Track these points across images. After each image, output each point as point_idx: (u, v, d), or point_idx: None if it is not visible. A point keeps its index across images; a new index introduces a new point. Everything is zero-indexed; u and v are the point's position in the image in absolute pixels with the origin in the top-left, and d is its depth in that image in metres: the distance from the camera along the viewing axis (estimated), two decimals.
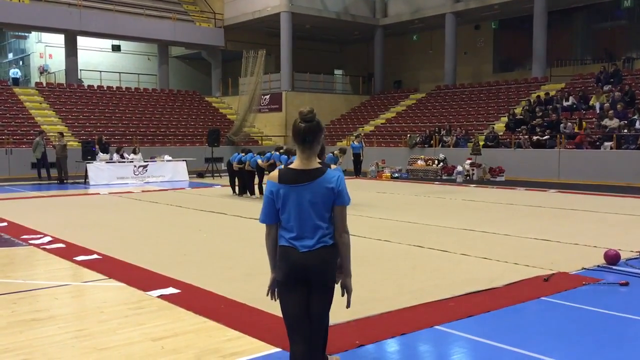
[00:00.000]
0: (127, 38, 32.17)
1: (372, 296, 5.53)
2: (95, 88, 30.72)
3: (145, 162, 20.70)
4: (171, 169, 21.02)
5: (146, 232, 9.60)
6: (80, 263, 7.15)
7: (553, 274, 6.36)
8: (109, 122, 27.59)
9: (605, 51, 28.15)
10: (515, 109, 24.35)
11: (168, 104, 31.47)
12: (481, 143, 21.78)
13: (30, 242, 8.59)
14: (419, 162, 22.93)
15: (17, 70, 34.07)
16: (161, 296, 5.61)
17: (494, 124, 23.97)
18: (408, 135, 25.22)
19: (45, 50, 35.76)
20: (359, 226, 9.46)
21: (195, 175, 22.33)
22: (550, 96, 23.76)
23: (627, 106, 20.26)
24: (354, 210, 11.26)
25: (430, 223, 10.23)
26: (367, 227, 9.68)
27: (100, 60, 36.14)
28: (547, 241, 8.37)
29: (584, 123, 20.64)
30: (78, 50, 30.83)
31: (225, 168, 18.04)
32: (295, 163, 3.18)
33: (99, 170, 19.41)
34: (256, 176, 14.99)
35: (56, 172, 20.02)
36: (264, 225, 3.25)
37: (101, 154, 20.30)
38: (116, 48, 34.92)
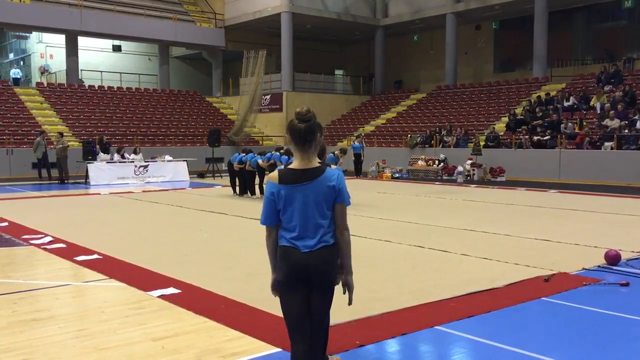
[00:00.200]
0: (127, 38, 32.19)
1: (372, 296, 5.53)
2: (96, 88, 30.73)
3: (145, 162, 20.71)
4: (172, 169, 21.03)
5: (147, 232, 9.60)
6: (81, 263, 7.15)
7: (553, 274, 6.36)
8: (110, 122, 27.60)
9: (606, 51, 28.14)
10: (516, 109, 24.35)
11: (169, 104, 31.48)
12: (482, 143, 21.77)
13: (31, 242, 8.59)
14: (420, 162, 22.92)
15: (18, 70, 34.08)
16: (162, 296, 5.61)
17: (495, 124, 23.98)
18: (409, 135, 25.23)
19: (46, 50, 35.77)
20: (360, 226, 9.46)
21: (195, 176, 22.34)
22: (550, 96, 23.76)
23: (628, 106, 20.26)
24: (355, 211, 11.26)
25: (430, 223, 10.23)
26: (368, 227, 9.68)
27: (101, 60, 36.15)
28: (547, 241, 8.37)
29: (584, 123, 20.63)
30: (79, 51, 30.84)
31: (226, 168, 18.05)
32: (295, 163, 3.18)
33: (100, 170, 19.42)
34: (257, 176, 14.99)
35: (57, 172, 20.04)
36: (264, 226, 3.25)
37: (102, 154, 20.31)
38: (117, 48, 34.95)
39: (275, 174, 3.19)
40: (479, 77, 32.17)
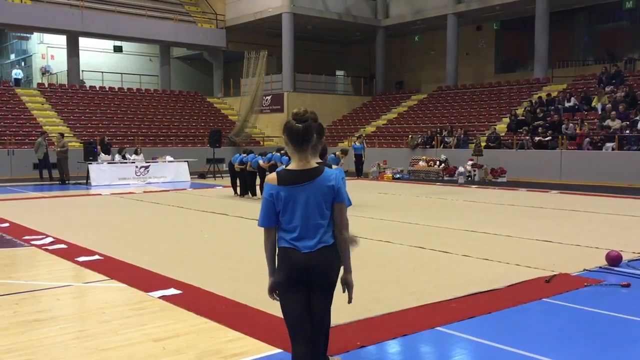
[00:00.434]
0: (128, 39, 32.22)
1: (373, 297, 5.52)
2: (97, 89, 30.76)
3: (147, 162, 20.72)
4: (173, 170, 21.04)
5: (148, 233, 9.61)
6: (82, 264, 7.16)
7: (554, 275, 6.35)
8: (111, 123, 27.62)
9: (607, 52, 28.13)
10: (517, 109, 24.35)
11: (170, 104, 31.50)
12: (483, 144, 21.77)
13: (32, 242, 8.60)
14: (421, 163, 22.92)
15: (19, 71, 34.11)
16: (162, 297, 5.61)
17: (496, 125, 23.97)
18: (410, 136, 25.23)
19: (47, 51, 35.80)
20: (361, 227, 9.46)
21: (196, 176, 22.34)
22: (552, 97, 23.75)
23: (629, 107, 20.25)
24: (356, 211, 11.26)
25: (431, 224, 10.23)
26: (369, 228, 9.68)
27: (102, 61, 36.18)
28: (548, 242, 8.36)
29: (585, 124, 20.62)
30: (80, 51, 30.87)
31: (227, 169, 18.05)
32: (293, 164, 3.17)
33: (101, 171, 19.43)
34: (257, 177, 14.99)
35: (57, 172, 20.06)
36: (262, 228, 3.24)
37: (103, 154, 20.33)
38: (118, 49, 34.96)
39: (273, 175, 3.19)
40: (480, 78, 32.17)
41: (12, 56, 39.24)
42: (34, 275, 6.75)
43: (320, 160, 3.51)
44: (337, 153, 13.49)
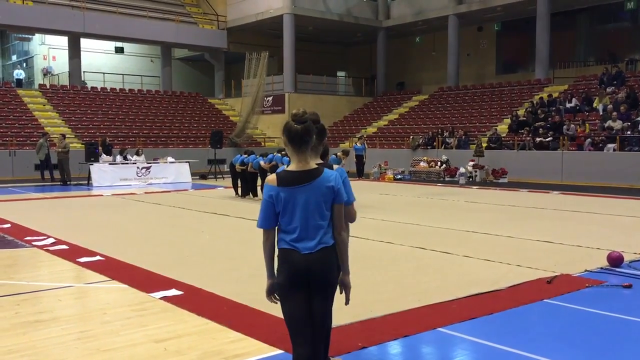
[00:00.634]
0: (130, 40, 32.25)
1: (374, 298, 5.52)
2: (99, 90, 30.78)
3: (148, 163, 20.74)
4: (174, 171, 21.05)
5: (149, 234, 9.61)
6: (84, 264, 7.16)
7: (556, 276, 6.35)
8: (112, 124, 27.64)
9: (608, 53, 28.12)
10: (518, 110, 24.34)
11: (171, 105, 31.52)
12: (484, 145, 21.76)
13: (34, 243, 8.60)
14: (422, 163, 22.91)
15: (20, 71, 34.16)
16: (164, 298, 5.62)
17: (497, 126, 23.96)
18: (411, 136, 25.22)
19: (49, 52, 35.86)
20: (362, 228, 9.44)
21: (198, 177, 22.35)
22: (553, 98, 23.73)
23: (631, 108, 20.23)
24: (357, 212, 11.23)
25: (432, 225, 10.22)
26: (370, 228, 9.67)
27: (104, 62, 36.23)
28: (550, 243, 8.36)
29: (586, 125, 20.61)
30: (81, 52, 30.89)
31: (228, 170, 18.06)
32: (292, 165, 3.17)
33: (102, 171, 19.45)
34: (259, 178, 15.00)
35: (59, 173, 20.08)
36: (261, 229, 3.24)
37: (104, 155, 20.34)
38: (119, 50, 35.02)
39: (273, 176, 3.19)
40: (481, 79, 32.17)
41: (14, 57, 39.31)
42: (35, 276, 6.75)
43: (321, 161, 3.51)
44: (338, 154, 13.49)
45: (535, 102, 23.98)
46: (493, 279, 6.27)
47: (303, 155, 3.12)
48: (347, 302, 3.29)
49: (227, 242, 8.90)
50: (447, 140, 23.82)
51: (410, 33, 34.02)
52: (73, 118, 27.04)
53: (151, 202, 14.29)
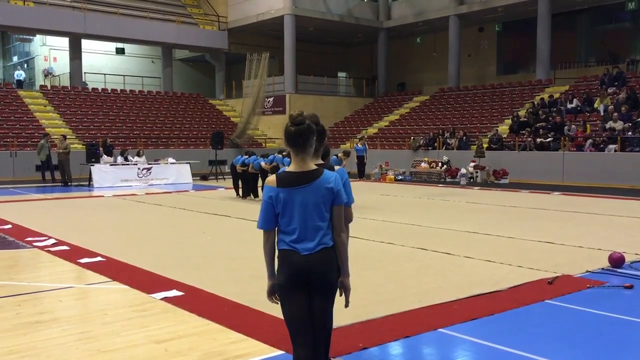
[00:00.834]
0: (131, 41, 32.26)
1: (375, 298, 5.52)
2: (100, 91, 30.81)
3: (149, 164, 20.75)
4: (175, 172, 21.06)
5: (150, 235, 9.61)
6: (84, 265, 7.16)
7: (557, 276, 6.34)
8: (113, 125, 27.65)
9: (609, 53, 28.11)
10: (519, 111, 24.33)
11: (172, 106, 31.53)
12: (485, 145, 21.75)
13: (35, 244, 8.61)
14: (423, 164, 22.92)
15: (21, 72, 34.15)
16: (165, 298, 5.62)
17: (498, 126, 23.96)
18: (412, 137, 25.23)
19: (50, 53, 35.89)
20: (363, 229, 9.46)
21: (198, 178, 22.36)
22: (554, 98, 23.73)
23: (632, 108, 20.21)
24: (358, 213, 11.21)
25: (433, 225, 10.22)
26: (371, 229, 9.68)
27: (105, 63, 36.26)
28: (551, 244, 8.35)
29: (587, 125, 20.59)
30: (82, 53, 30.92)
31: (229, 170, 18.07)
32: (292, 166, 3.18)
33: (103, 172, 19.46)
34: (259, 179, 15.00)
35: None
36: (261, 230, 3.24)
37: (105, 156, 20.34)
38: (120, 51, 35.04)
39: (272, 177, 3.19)
40: (482, 79, 32.16)
41: (15, 58, 39.34)
42: (36, 276, 6.75)
43: (322, 162, 3.51)
44: (339, 155, 13.51)
45: (536, 102, 23.98)
46: (494, 279, 6.27)
47: (299, 156, 3.13)
48: (346, 305, 3.29)
49: (228, 242, 8.90)
50: (448, 141, 23.82)
51: (411, 34, 34.03)
52: (74, 119, 27.06)
53: (152, 203, 14.30)
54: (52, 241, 8.77)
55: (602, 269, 6.75)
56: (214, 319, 4.97)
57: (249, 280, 6.31)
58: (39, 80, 35.25)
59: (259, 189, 15.05)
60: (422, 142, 24.60)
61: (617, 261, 6.81)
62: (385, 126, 29.60)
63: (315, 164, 3.22)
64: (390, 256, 7.64)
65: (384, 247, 8.24)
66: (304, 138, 3.10)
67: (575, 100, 22.77)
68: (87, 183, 19.43)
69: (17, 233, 9.63)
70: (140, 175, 20.13)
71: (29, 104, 26.99)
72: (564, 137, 20.40)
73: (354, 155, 21.79)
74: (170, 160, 21.58)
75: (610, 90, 22.45)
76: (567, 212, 12.01)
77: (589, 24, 29.65)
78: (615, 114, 19.87)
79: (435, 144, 24.04)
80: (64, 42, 31.60)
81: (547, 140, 20.79)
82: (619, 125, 19.49)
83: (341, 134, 30.16)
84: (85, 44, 31.55)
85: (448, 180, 21.38)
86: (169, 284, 6.17)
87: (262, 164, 14.53)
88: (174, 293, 5.78)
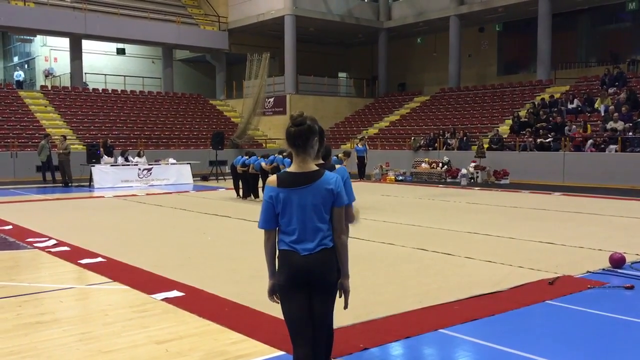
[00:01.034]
0: (131, 41, 32.28)
1: (376, 299, 5.52)
2: (100, 91, 30.82)
3: (149, 165, 20.75)
4: (175, 172, 21.06)
5: (150, 235, 9.62)
6: (85, 266, 7.17)
7: (558, 277, 6.34)
8: (114, 125, 27.66)
9: (610, 53, 28.10)
10: (520, 111, 24.33)
11: (172, 107, 31.54)
12: (485, 146, 21.75)
13: (35, 245, 8.61)
14: (423, 164, 22.91)
15: (20, 72, 34.15)
16: (165, 299, 5.62)
17: (499, 127, 23.95)
18: (412, 138, 25.23)
19: (50, 53, 35.90)
20: (363, 229, 9.44)
21: (199, 178, 22.36)
22: (554, 99, 23.72)
23: (632, 109, 20.21)
24: (359, 212, 11.24)
25: (434, 226, 10.22)
26: (371, 230, 9.67)
27: (105, 63, 36.27)
28: (551, 244, 8.35)
29: (588, 126, 20.58)
30: (83, 54, 30.94)
31: (229, 171, 18.07)
32: (292, 167, 3.19)
33: (104, 173, 19.46)
34: (260, 179, 15.00)
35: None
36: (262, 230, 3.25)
37: (106, 157, 20.35)
38: (121, 51, 35.06)
39: (273, 177, 3.20)
40: (483, 80, 32.16)
41: (16, 59, 39.35)
42: (37, 277, 6.76)
43: (323, 162, 3.51)
44: (339, 155, 13.48)
45: (536, 103, 23.97)
46: (495, 280, 6.26)
47: (299, 157, 3.13)
48: (345, 306, 3.28)
49: (228, 243, 8.90)
50: (449, 141, 23.81)
51: (412, 34, 34.03)
52: (74, 119, 27.07)
53: (152, 204, 14.30)
54: (52, 242, 8.77)
55: (603, 269, 6.74)
56: (214, 319, 4.97)
57: (249, 281, 6.32)
58: (40, 80, 35.26)
59: (260, 190, 15.05)
60: (422, 142, 24.60)
61: (617, 262, 6.80)
62: (385, 126, 29.60)
63: (316, 164, 3.22)
64: (391, 257, 7.64)
65: (384, 248, 8.24)
66: (304, 138, 3.10)
67: (575, 101, 22.77)
68: (88, 184, 19.43)
69: (18, 234, 9.63)
70: (141, 176, 20.13)
71: (29, 105, 27.01)
72: (564, 138, 20.39)
73: (355, 155, 21.78)
74: (171, 160, 21.58)
75: (610, 91, 22.44)
76: (567, 212, 12.01)
77: (589, 24, 29.64)
78: (616, 114, 19.86)
79: (436, 144, 24.03)
80: (65, 42, 31.61)
81: (548, 140, 20.79)
82: (619, 125, 19.48)
83: (341, 134, 30.16)
84: (86, 44, 31.57)
85: (449, 180, 21.38)
86: (169, 284, 6.17)
87: (263, 164, 14.53)
88: (174, 293, 5.79)
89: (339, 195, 3.14)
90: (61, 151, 20.04)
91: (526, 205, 13.36)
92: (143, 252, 8.03)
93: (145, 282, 6.32)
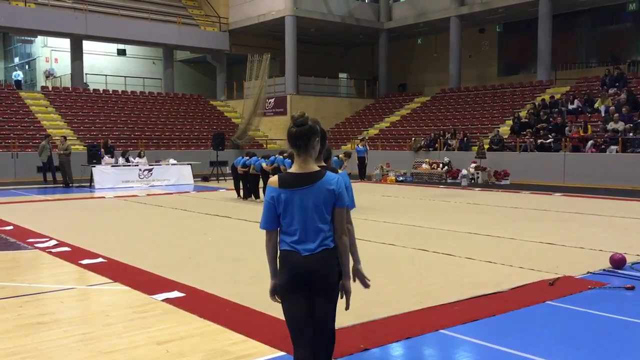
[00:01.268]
0: (132, 42, 32.30)
1: (376, 300, 5.52)
2: (101, 92, 30.84)
3: (150, 165, 20.76)
4: (176, 173, 21.07)
5: (151, 236, 9.62)
6: (86, 266, 7.17)
7: (558, 277, 6.34)
8: (115, 126, 27.67)
9: (610, 54, 28.09)
10: (520, 112, 24.32)
11: (173, 107, 31.56)
12: (486, 146, 21.75)
13: (36, 245, 8.61)
14: (424, 165, 22.91)
15: (19, 72, 34.14)
16: (166, 300, 5.62)
17: (499, 127, 23.95)
18: (413, 138, 25.23)
19: (51, 54, 35.91)
20: (364, 230, 9.45)
21: (200, 179, 22.37)
22: (555, 99, 23.72)
23: (633, 109, 20.20)
24: (359, 214, 11.25)
25: (434, 226, 10.22)
26: (372, 230, 9.68)
27: (106, 64, 36.28)
28: (552, 245, 8.35)
29: (589, 126, 20.58)
30: (83, 55, 30.95)
31: (230, 172, 18.08)
32: (294, 167, 3.19)
33: (104, 174, 19.47)
34: (261, 180, 15.01)
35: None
36: (264, 231, 3.25)
37: (106, 157, 20.36)
38: (121, 52, 35.06)
39: (275, 178, 3.20)
40: (483, 80, 32.15)
41: (16, 59, 39.36)
42: (37, 278, 6.76)
43: (324, 165, 3.51)
44: (340, 156, 13.51)
45: (537, 103, 23.96)
46: (495, 280, 6.26)
47: (301, 157, 3.14)
48: (347, 307, 3.28)
49: (229, 244, 8.91)
50: (449, 142, 23.81)
51: (412, 35, 34.03)
52: (75, 120, 27.09)
53: (153, 204, 14.31)
54: (53, 242, 8.78)
55: (604, 270, 6.74)
56: (215, 320, 4.98)
57: (250, 281, 6.32)
58: (40, 81, 35.27)
59: (260, 190, 15.05)
60: (423, 143, 24.59)
61: (618, 262, 6.80)
62: (386, 127, 29.60)
63: (318, 166, 3.23)
64: (392, 257, 7.64)
65: (385, 249, 8.24)
66: (305, 139, 3.11)
67: (576, 101, 22.76)
68: (89, 184, 19.44)
69: (19, 234, 9.64)
70: (142, 177, 20.14)
71: (30, 105, 27.02)
72: (565, 138, 20.39)
73: (355, 156, 21.80)
74: (172, 161, 21.59)
75: (611, 91, 22.44)
76: (568, 213, 12.00)
77: (590, 25, 29.63)
78: (616, 114, 19.85)
79: (436, 145, 24.03)
80: (65, 43, 31.63)
81: (548, 141, 20.78)
82: (620, 126, 19.47)
83: (342, 135, 30.16)
84: (87, 45, 31.58)
85: (449, 181, 21.37)
86: (170, 285, 6.17)
87: (263, 165, 14.54)
88: (175, 294, 5.79)
89: (341, 195, 3.14)
90: (62, 152, 20.05)
91: (527, 205, 13.35)
92: (144, 253, 8.03)
93: (145, 282, 6.32)
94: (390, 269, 6.94)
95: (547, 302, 5.52)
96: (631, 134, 19.05)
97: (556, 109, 22.81)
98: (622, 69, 24.21)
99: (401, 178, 22.23)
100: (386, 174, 22.48)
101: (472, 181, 20.56)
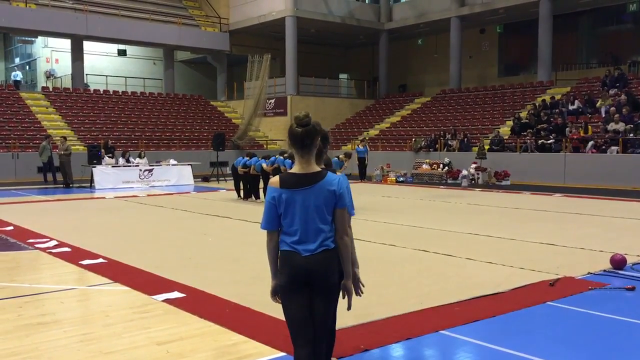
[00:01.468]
0: (132, 43, 32.32)
1: (377, 300, 5.51)
2: (101, 92, 30.85)
3: (150, 166, 20.76)
4: (176, 173, 21.07)
5: (151, 236, 9.62)
6: (86, 267, 7.17)
7: (559, 278, 6.33)
8: (115, 127, 27.68)
9: (611, 55, 28.09)
10: (521, 112, 24.32)
11: (173, 108, 31.57)
12: (486, 147, 21.75)
13: (36, 246, 8.61)
14: (424, 166, 22.91)
15: (18, 73, 34.14)
16: (166, 300, 5.62)
17: (500, 128, 23.95)
18: (413, 139, 25.23)
19: (52, 54, 35.93)
20: (364, 230, 9.46)
21: (200, 179, 22.38)
22: (555, 100, 23.72)
23: (633, 110, 20.19)
24: (359, 215, 11.24)
25: (435, 227, 10.21)
26: (372, 231, 9.67)
27: (106, 64, 36.29)
28: (552, 245, 8.34)
29: (589, 127, 20.58)
30: (84, 55, 30.97)
31: (230, 172, 18.08)
32: (295, 168, 3.19)
33: (105, 174, 19.47)
34: (261, 180, 15.01)
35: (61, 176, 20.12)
36: (265, 231, 3.25)
37: (107, 158, 20.36)
38: (122, 52, 35.06)
39: (276, 178, 3.20)
40: (484, 81, 32.16)
41: (17, 60, 39.38)
42: (38, 278, 6.76)
43: (324, 167, 3.51)
44: (340, 156, 13.50)
45: (537, 104, 23.97)
46: (495, 281, 6.26)
47: (304, 158, 3.14)
48: (349, 308, 3.28)
49: (229, 244, 8.90)
50: (449, 142, 23.81)
51: (413, 35, 34.04)
52: (76, 120, 27.10)
53: (153, 205, 14.31)
54: (53, 243, 8.78)
55: (604, 270, 6.74)
56: (215, 320, 4.97)
57: (250, 282, 6.32)
58: (41, 81, 35.29)
59: (261, 191, 15.05)
60: (423, 143, 24.60)
61: (619, 263, 6.80)
62: (386, 128, 29.60)
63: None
64: (392, 258, 7.64)
65: (385, 249, 8.24)
66: (310, 139, 3.11)
67: (576, 102, 22.76)
68: (89, 185, 19.44)
69: (19, 235, 9.64)
70: (142, 177, 20.15)
71: (30, 106, 27.03)
72: (565, 139, 20.39)
73: (355, 157, 21.80)
74: (172, 161, 21.59)
75: (611, 92, 22.44)
76: (568, 213, 12.00)
77: (590, 26, 29.65)
78: (617, 115, 19.85)
79: (437, 145, 24.03)
80: (66, 43, 31.65)
81: (549, 141, 20.78)
82: (620, 126, 19.47)
83: (342, 135, 30.16)
84: (87, 45, 31.59)
85: (449, 181, 21.37)
86: (170, 285, 6.17)
87: (264, 165, 14.55)
88: (175, 295, 5.79)
89: (341, 196, 3.14)
90: (62, 152, 20.06)
91: (527, 206, 13.35)
92: (144, 253, 8.03)
93: (146, 283, 6.32)
94: (391, 270, 6.94)
95: (548, 302, 5.51)
96: (632, 135, 19.05)
97: (556, 110, 22.81)
98: (623, 70, 24.21)
99: (401, 179, 22.23)
100: (386, 174, 22.48)
101: (473, 182, 20.56)
